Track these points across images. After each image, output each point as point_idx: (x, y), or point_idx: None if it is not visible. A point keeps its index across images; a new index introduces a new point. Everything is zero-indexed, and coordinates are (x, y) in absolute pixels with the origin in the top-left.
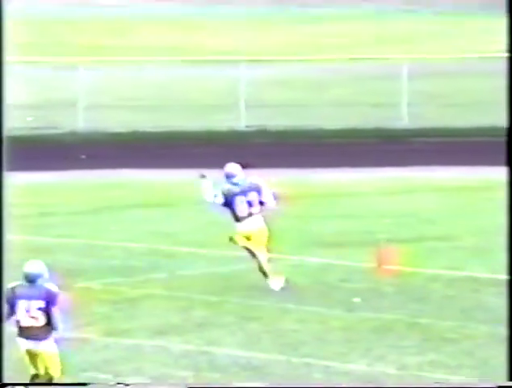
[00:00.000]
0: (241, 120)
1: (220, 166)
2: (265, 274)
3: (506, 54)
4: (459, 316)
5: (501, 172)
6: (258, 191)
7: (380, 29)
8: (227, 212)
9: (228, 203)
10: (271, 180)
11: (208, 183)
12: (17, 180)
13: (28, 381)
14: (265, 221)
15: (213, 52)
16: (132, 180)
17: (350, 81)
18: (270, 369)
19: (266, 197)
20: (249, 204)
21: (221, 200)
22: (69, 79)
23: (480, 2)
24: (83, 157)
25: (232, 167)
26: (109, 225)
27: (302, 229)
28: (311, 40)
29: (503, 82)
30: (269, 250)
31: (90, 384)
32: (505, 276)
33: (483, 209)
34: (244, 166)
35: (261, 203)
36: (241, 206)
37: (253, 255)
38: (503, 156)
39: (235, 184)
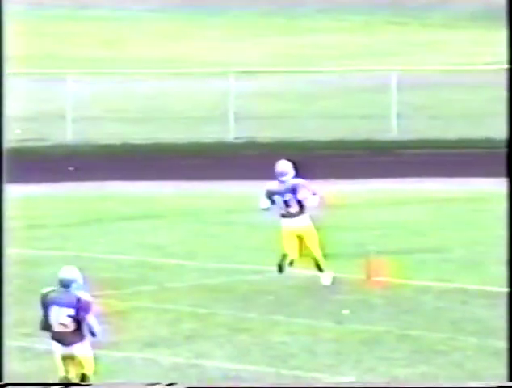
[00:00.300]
0: (230, 132)
1: (209, 178)
2: (320, 270)
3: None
4: (449, 328)
5: (490, 183)
6: (294, 191)
7: (369, 41)
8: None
9: (271, 201)
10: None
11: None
12: (5, 193)
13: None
14: (312, 220)
15: (202, 64)
16: (120, 192)
17: (339, 93)
18: (260, 382)
19: (303, 196)
20: (286, 203)
21: (267, 204)
22: (57, 91)
23: (469, 14)
24: (71, 169)
25: (283, 165)
26: (98, 238)
27: None
28: (299, 52)
29: (492, 94)
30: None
31: (89, 384)
32: (494, 288)
33: (472, 221)
34: (295, 165)
35: (299, 202)
36: (279, 204)
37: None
38: (492, 167)
39: (281, 183)
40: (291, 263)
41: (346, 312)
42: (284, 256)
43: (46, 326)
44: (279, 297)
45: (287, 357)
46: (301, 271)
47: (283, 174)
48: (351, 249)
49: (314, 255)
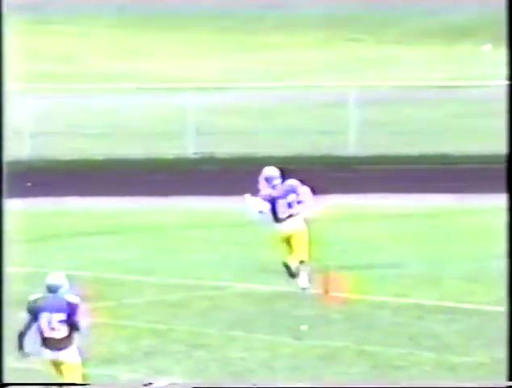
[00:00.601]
0: (190, 148)
1: (168, 193)
2: (292, 274)
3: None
4: (407, 343)
5: (447, 199)
6: (296, 192)
7: (327, 57)
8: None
9: (271, 206)
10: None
11: (253, 200)
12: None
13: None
14: (305, 221)
15: (161, 80)
16: (79, 208)
17: (298, 108)
18: None
19: (304, 197)
20: (289, 205)
21: (267, 206)
22: (15, 106)
23: (424, 31)
24: (29, 184)
25: (271, 170)
26: (56, 253)
27: (249, 256)
28: (259, 68)
29: (449, 110)
30: (308, 254)
31: (89, 384)
32: (451, 303)
33: (430, 237)
34: (282, 171)
35: (298, 202)
36: (282, 208)
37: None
38: (449, 183)
39: (274, 187)
40: (301, 262)
41: (304, 327)
42: (288, 267)
43: (26, 330)
44: (238, 313)
45: (246, 373)
46: (259, 286)
47: (273, 178)
48: (310, 264)
49: (297, 256)
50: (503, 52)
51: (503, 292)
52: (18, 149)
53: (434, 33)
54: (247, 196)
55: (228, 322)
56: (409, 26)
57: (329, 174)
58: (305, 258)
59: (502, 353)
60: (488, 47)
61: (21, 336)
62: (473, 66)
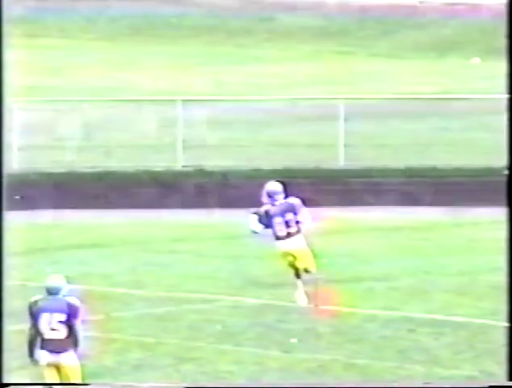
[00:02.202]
0: (178, 161)
1: (157, 206)
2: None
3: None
4: (396, 357)
5: (436, 212)
6: (294, 211)
7: (316, 70)
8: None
9: (268, 224)
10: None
11: (254, 217)
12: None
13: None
14: (306, 240)
15: (150, 92)
16: (67, 221)
17: (287, 121)
18: None
19: (302, 217)
20: (287, 224)
21: (260, 227)
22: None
23: (414, 44)
24: (18, 197)
25: (274, 185)
26: (44, 267)
27: (238, 269)
28: (247, 81)
29: (438, 123)
30: (309, 271)
31: (90, 384)
32: (441, 317)
33: (419, 249)
34: (284, 184)
35: (297, 222)
36: (279, 226)
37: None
38: (438, 196)
39: (274, 204)
40: (306, 271)
41: (294, 341)
42: (297, 269)
43: (35, 336)
44: (227, 326)
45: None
46: (249, 299)
47: (276, 193)
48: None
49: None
50: (491, 65)
51: (492, 305)
52: (6, 163)
53: (423, 47)
54: (251, 212)
55: (217, 336)
56: (398, 39)
57: (317, 187)
58: (312, 269)
59: (491, 366)
60: (476, 60)
61: (31, 343)
62: (461, 79)
